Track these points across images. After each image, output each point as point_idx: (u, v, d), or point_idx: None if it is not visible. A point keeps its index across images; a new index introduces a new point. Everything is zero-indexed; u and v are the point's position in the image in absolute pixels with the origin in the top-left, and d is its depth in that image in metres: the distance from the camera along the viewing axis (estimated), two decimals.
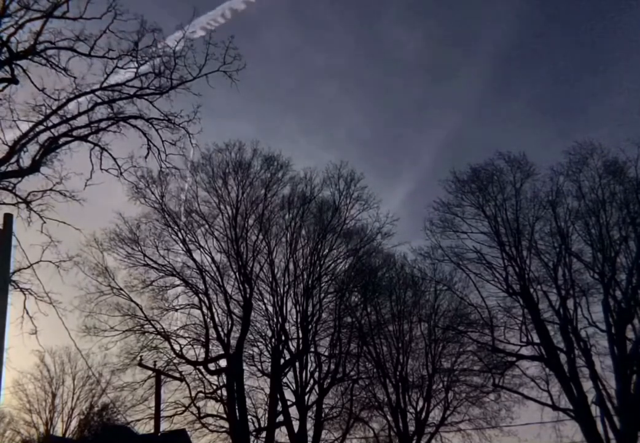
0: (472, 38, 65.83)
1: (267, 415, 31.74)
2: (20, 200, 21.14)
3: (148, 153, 22.52)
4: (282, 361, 32.72)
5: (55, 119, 21.05)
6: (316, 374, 33.34)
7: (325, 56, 62.06)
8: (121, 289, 31.31)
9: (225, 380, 31.42)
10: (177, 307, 32.28)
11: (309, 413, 32.37)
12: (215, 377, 32.27)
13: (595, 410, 29.75)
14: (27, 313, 21.42)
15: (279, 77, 65.60)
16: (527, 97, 64.30)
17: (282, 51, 62.91)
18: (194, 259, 32.62)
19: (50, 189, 21.50)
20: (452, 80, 67.76)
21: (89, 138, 21.85)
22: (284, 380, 32.99)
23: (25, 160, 20.81)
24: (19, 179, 20.91)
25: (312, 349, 33.81)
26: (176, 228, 32.56)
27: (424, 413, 34.05)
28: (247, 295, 32.46)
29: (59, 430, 46.86)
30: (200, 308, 32.04)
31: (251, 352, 33.88)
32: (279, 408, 31.57)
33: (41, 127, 20.90)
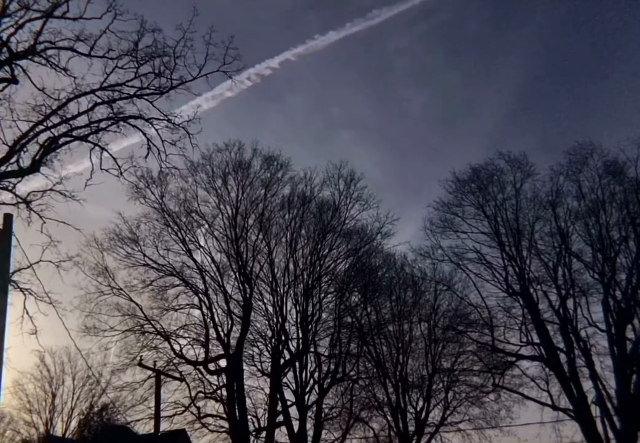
0: (475, 94, 72.11)
1: (267, 415, 31.73)
2: (20, 200, 21.12)
3: (148, 153, 22.53)
4: (282, 361, 32.71)
5: (55, 119, 21.06)
6: (316, 374, 33.34)
7: (341, 108, 70.27)
8: (121, 289, 31.32)
9: (225, 380, 31.41)
10: (177, 307, 32.27)
11: (309, 413, 32.38)
12: (215, 377, 32.28)
13: (595, 410, 29.83)
14: (27, 313, 21.43)
15: (300, 125, 71.86)
16: (531, 137, 67.90)
17: (303, 104, 70.02)
18: (193, 259, 32.63)
19: (50, 189, 21.48)
20: (456, 129, 73.22)
21: (89, 138, 21.85)
22: (284, 380, 33.03)
23: (25, 160, 20.81)
24: (19, 179, 20.89)
25: (312, 349, 33.79)
26: (176, 228, 32.54)
27: (424, 413, 34.07)
28: (247, 295, 32.46)
29: (59, 430, 46.84)
30: (200, 308, 32.04)
31: (251, 352, 33.93)
32: (279, 408, 31.56)
33: (41, 127, 20.89)
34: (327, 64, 67.38)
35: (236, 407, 30.58)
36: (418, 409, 34.40)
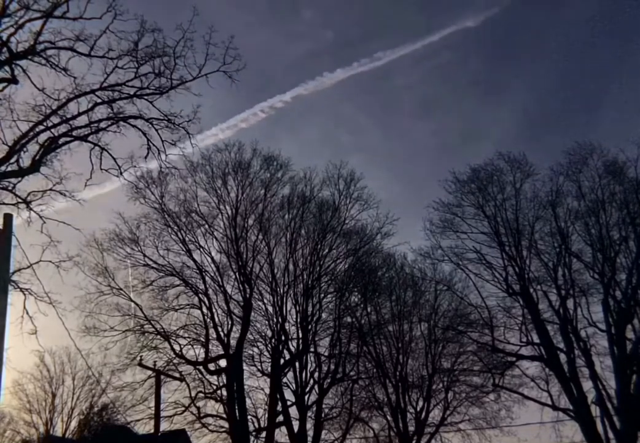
0: (479, 120, 75.94)
1: (267, 415, 31.74)
2: (20, 200, 21.11)
3: (148, 153, 22.52)
4: (282, 361, 32.73)
5: (55, 119, 21.04)
6: (316, 374, 33.36)
7: (351, 136, 74.80)
8: (121, 289, 31.32)
9: (225, 380, 31.42)
10: (177, 307, 32.25)
11: (309, 413, 32.39)
12: (215, 377, 32.29)
13: (595, 410, 29.78)
14: (27, 313, 21.40)
15: (311, 152, 76.44)
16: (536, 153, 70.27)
17: (314, 134, 75.05)
18: (193, 260, 32.61)
19: (50, 189, 21.48)
20: (460, 152, 76.24)
21: (89, 138, 21.84)
22: (284, 380, 33.04)
23: (25, 160, 20.81)
24: (19, 179, 20.88)
25: (312, 349, 33.82)
26: (176, 228, 32.54)
27: (424, 413, 34.09)
28: (247, 295, 32.46)
29: (59, 430, 46.82)
30: (200, 308, 32.04)
31: (251, 352, 33.93)
32: (279, 408, 31.57)
33: (41, 127, 20.88)
34: (336, 98, 72.60)
35: (236, 407, 30.59)
36: (418, 409, 34.43)
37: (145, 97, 22.10)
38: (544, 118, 75.74)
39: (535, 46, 73.29)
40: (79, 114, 21.35)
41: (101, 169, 22.23)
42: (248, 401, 31.87)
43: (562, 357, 31.54)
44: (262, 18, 75.72)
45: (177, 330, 31.94)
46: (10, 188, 20.81)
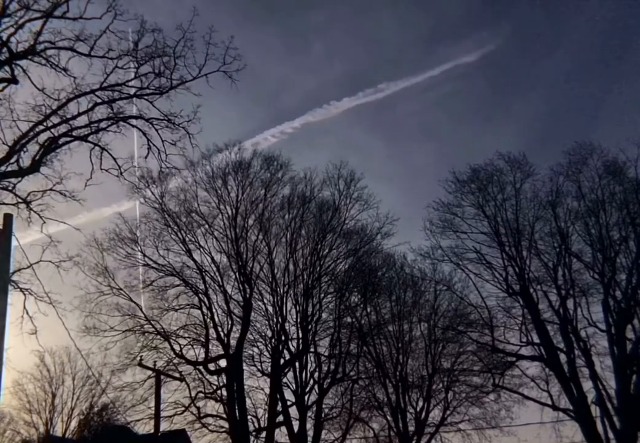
0: (480, 138, 77.35)
1: (267, 415, 31.73)
2: (20, 200, 21.18)
3: (148, 153, 22.63)
4: (282, 361, 32.72)
5: (55, 119, 21.12)
6: (316, 374, 33.35)
7: (356, 158, 79.67)
8: (121, 289, 31.32)
9: (225, 380, 31.42)
10: (177, 307, 32.24)
11: (309, 413, 32.38)
12: (215, 377, 32.28)
13: (595, 410, 29.77)
14: (27, 313, 21.52)
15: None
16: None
17: (321, 156, 78.67)
18: (193, 260, 32.59)
19: (50, 189, 21.55)
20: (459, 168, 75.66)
21: (89, 138, 21.91)
22: (284, 380, 33.02)
23: (25, 160, 20.87)
24: (19, 179, 20.94)
25: (312, 349, 33.81)
26: (176, 228, 32.55)
27: (423, 413, 34.06)
28: (247, 295, 32.45)
29: (58, 430, 46.86)
30: (200, 308, 32.02)
31: (251, 352, 33.92)
32: (279, 408, 31.56)
33: (41, 127, 20.93)
34: (342, 124, 76.28)
35: (236, 407, 30.58)
36: (418, 409, 34.41)
37: (145, 97, 22.17)
38: (545, 122, 77.01)
39: (535, 51, 74.50)
40: (79, 114, 21.42)
41: (101, 169, 22.31)
42: (248, 401, 31.89)
43: (562, 357, 31.54)
44: (276, 52, 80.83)
45: (177, 330, 31.97)
46: (10, 188, 20.89)
